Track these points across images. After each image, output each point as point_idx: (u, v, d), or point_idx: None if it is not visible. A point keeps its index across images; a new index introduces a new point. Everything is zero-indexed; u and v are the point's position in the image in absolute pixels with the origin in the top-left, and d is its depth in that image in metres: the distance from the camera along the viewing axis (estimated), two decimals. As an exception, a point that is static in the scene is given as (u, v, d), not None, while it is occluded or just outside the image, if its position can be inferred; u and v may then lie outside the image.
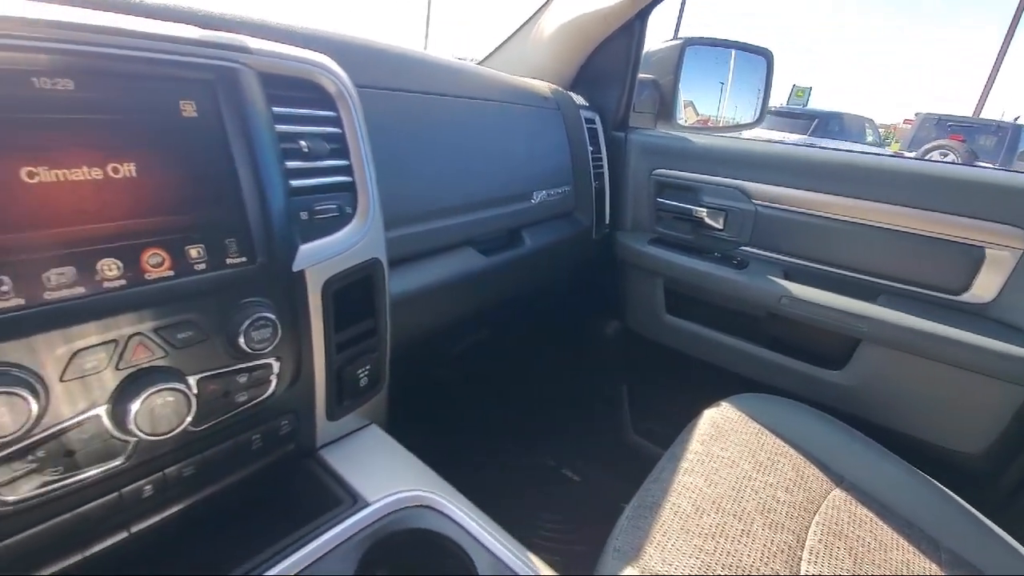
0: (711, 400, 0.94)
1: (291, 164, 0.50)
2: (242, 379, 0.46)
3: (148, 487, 0.43)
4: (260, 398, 0.48)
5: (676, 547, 0.65)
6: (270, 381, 0.49)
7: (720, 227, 1.15)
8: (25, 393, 0.33)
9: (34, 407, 0.34)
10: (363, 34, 0.74)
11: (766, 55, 1.50)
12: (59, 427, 0.37)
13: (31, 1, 0.38)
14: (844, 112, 10.96)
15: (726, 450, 0.82)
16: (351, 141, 0.57)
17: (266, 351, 0.47)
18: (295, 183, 0.50)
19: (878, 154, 1.11)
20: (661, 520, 0.69)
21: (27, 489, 0.36)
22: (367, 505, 0.52)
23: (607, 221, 1.22)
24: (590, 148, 1.15)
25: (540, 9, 1.20)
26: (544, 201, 1.02)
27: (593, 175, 1.16)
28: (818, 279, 1.07)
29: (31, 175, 0.35)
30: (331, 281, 0.54)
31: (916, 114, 11.42)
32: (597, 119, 1.21)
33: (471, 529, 0.53)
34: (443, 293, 0.79)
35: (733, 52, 1.54)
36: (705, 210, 1.15)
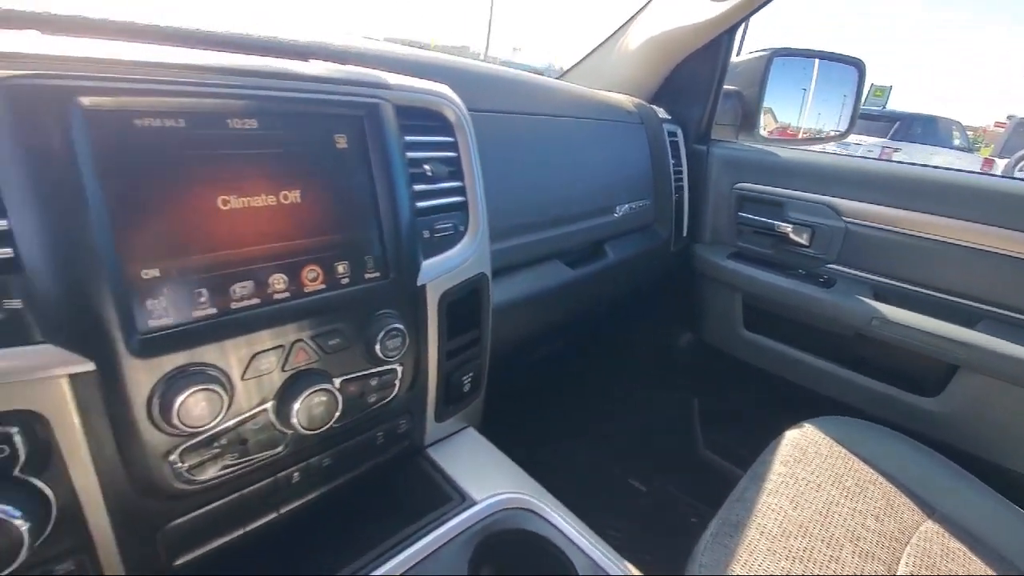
0: (789, 419, 0.93)
1: (417, 187, 0.55)
2: (374, 382, 0.51)
3: (296, 474, 0.49)
4: (386, 400, 0.53)
5: (763, 568, 0.65)
6: (395, 385, 0.54)
7: (806, 243, 1.12)
8: (219, 389, 0.39)
9: (225, 401, 0.40)
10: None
11: (857, 65, 1.45)
12: (238, 419, 0.42)
13: (221, 52, 0.45)
14: (928, 114, 10.18)
15: (811, 473, 0.81)
16: (465, 164, 0.61)
17: (395, 358, 0.52)
18: (420, 204, 0.55)
19: (984, 173, 1.06)
20: (747, 540, 0.69)
21: (212, 472, 0.42)
22: (474, 504, 0.56)
23: (685, 233, 1.22)
24: (671, 161, 1.16)
25: (624, 24, 1.22)
26: (626, 214, 1.03)
27: (673, 187, 1.16)
28: (912, 301, 1.03)
29: (224, 202, 0.41)
30: (446, 294, 0.58)
31: (1009, 117, 10.44)
32: (679, 132, 1.21)
33: (569, 533, 0.56)
34: (533, 305, 0.82)
35: (816, 60, 1.49)
36: (790, 226, 1.13)
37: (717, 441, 1.33)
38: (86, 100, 0.35)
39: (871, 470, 0.83)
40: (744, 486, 0.79)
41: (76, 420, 0.36)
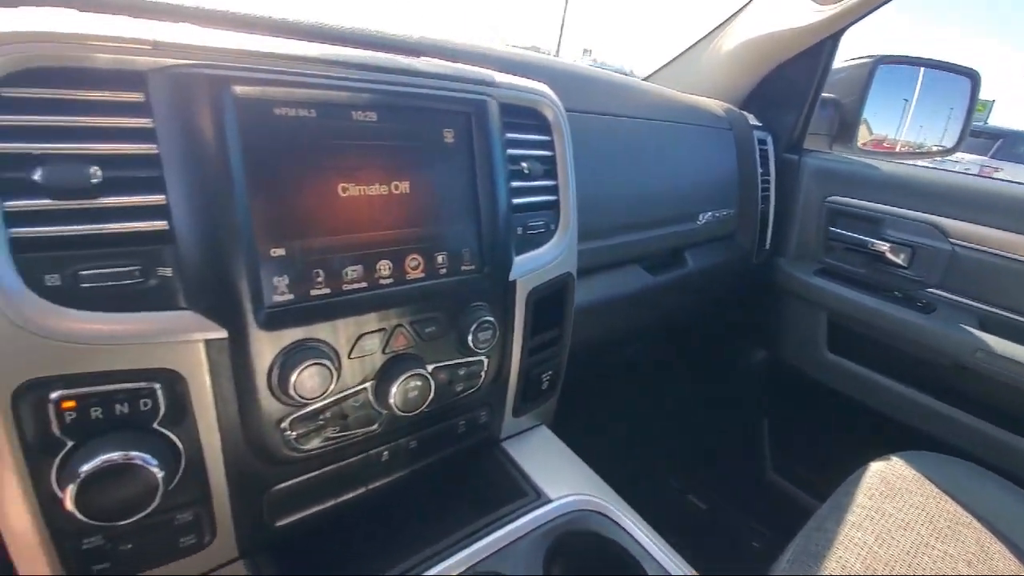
0: (872, 450, 0.87)
1: (514, 184, 0.56)
2: (462, 372, 0.53)
3: (386, 453, 0.51)
4: (471, 390, 0.55)
5: (845, 604, 0.62)
6: (481, 376, 0.55)
7: (904, 264, 1.05)
8: (330, 365, 0.42)
9: (334, 377, 0.42)
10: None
11: (971, 76, 1.33)
12: (342, 395, 0.45)
13: (350, 49, 0.47)
14: (1037, 131, 9.18)
15: (899, 510, 0.76)
16: (560, 163, 0.62)
17: (484, 350, 0.53)
18: (515, 201, 0.56)
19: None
20: (826, 573, 0.66)
21: (315, 443, 0.45)
22: (549, 501, 0.56)
23: (768, 246, 1.17)
24: (759, 169, 1.11)
25: (716, 28, 1.18)
26: (709, 222, 1.00)
27: (760, 197, 1.12)
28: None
29: (344, 190, 0.43)
30: (534, 291, 0.59)
31: None
32: (769, 140, 1.16)
33: (643, 541, 0.55)
34: (610, 308, 0.82)
35: (922, 69, 1.39)
36: (887, 244, 1.06)
37: (788, 466, 1.27)
38: (238, 89, 0.38)
39: (965, 512, 0.77)
40: (824, 515, 0.75)
41: (208, 382, 0.39)
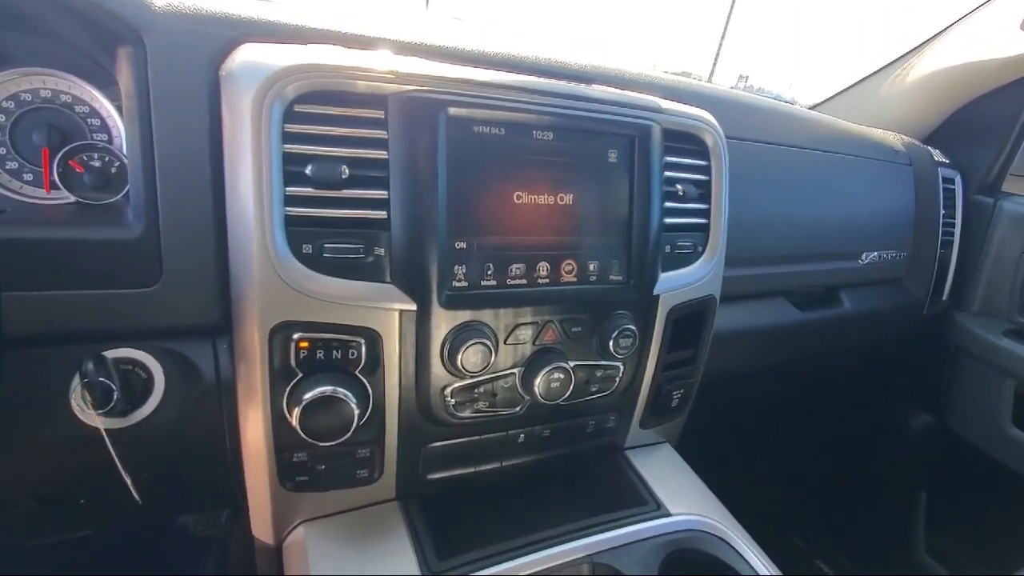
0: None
1: (668, 205, 0.59)
2: (599, 373, 0.57)
3: (522, 435, 0.57)
4: (605, 392, 0.58)
5: None
6: (615, 380, 0.58)
7: None
8: (490, 346, 0.48)
9: (491, 357, 0.49)
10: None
11: None
12: (495, 375, 0.51)
13: (541, 79, 0.54)
14: None
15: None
16: (715, 189, 0.63)
17: (623, 357, 0.56)
18: (668, 220, 0.59)
19: None
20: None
21: (468, 412, 0.52)
22: (668, 515, 0.58)
23: (945, 296, 1.04)
24: (942, 211, 1.00)
25: (903, 56, 1.09)
26: (873, 263, 0.93)
27: (940, 241, 1.00)
28: None
29: (518, 197, 0.50)
30: (675, 309, 0.61)
31: None
32: (957, 179, 1.04)
33: (761, 573, 0.54)
34: (751, 339, 0.80)
35: None
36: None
37: (945, 550, 1.10)
38: (451, 110, 0.46)
39: None
40: None
41: (397, 345, 0.47)
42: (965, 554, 1.08)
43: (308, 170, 0.44)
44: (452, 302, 0.47)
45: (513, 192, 0.50)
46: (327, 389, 0.44)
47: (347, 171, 0.45)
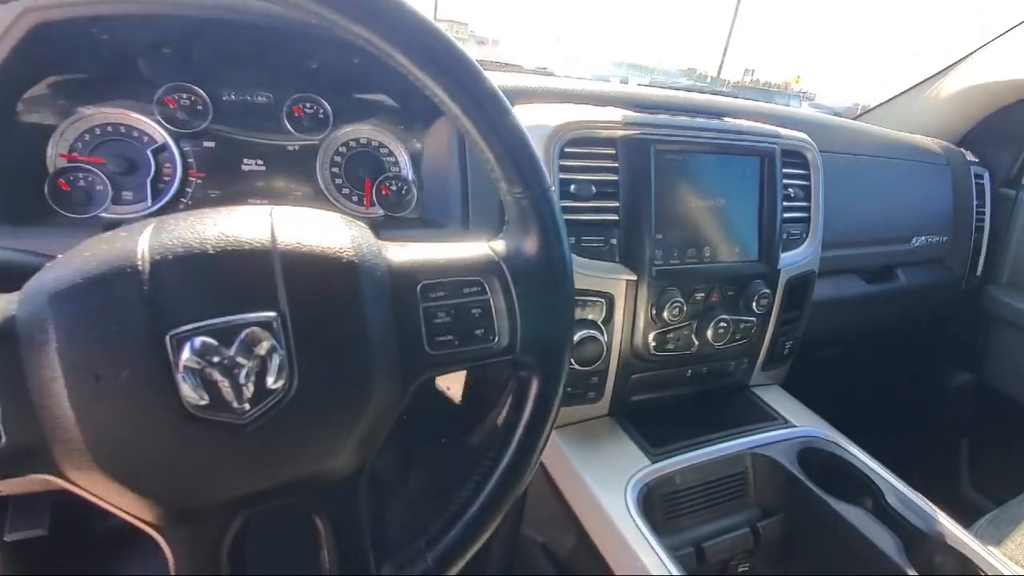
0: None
1: (784, 204, 0.82)
2: (742, 326, 0.79)
3: (689, 371, 0.80)
4: (744, 340, 0.81)
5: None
6: (751, 331, 0.81)
7: None
8: (680, 306, 0.71)
9: (681, 314, 0.71)
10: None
11: None
12: (679, 325, 0.74)
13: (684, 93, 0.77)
14: None
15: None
16: (813, 191, 0.86)
17: (760, 314, 0.79)
18: (784, 215, 0.82)
19: None
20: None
21: (660, 352, 0.74)
22: (795, 427, 0.80)
23: (978, 273, 1.26)
24: (975, 202, 1.22)
25: (937, 74, 1.31)
26: (922, 246, 1.15)
27: (974, 227, 1.22)
28: None
29: (692, 201, 0.73)
30: (790, 280, 0.83)
31: None
32: (986, 175, 1.26)
33: (878, 470, 0.75)
34: (830, 306, 1.02)
35: None
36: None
37: (987, 485, 1.31)
38: (656, 147, 0.69)
39: None
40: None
41: (622, 303, 0.70)
42: (1005, 488, 1.28)
43: (572, 189, 0.67)
44: (657, 275, 0.70)
45: (690, 198, 0.73)
46: (590, 331, 0.67)
47: (593, 189, 0.68)
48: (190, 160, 0.67)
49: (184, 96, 0.66)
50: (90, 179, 0.62)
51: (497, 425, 0.83)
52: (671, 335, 0.74)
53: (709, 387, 0.84)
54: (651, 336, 0.73)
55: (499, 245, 0.42)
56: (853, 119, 1.44)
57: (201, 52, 0.65)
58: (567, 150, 0.67)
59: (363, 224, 0.39)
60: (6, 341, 0.29)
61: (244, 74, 0.69)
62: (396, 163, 0.77)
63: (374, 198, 0.75)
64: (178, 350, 0.29)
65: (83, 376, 0.28)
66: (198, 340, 0.30)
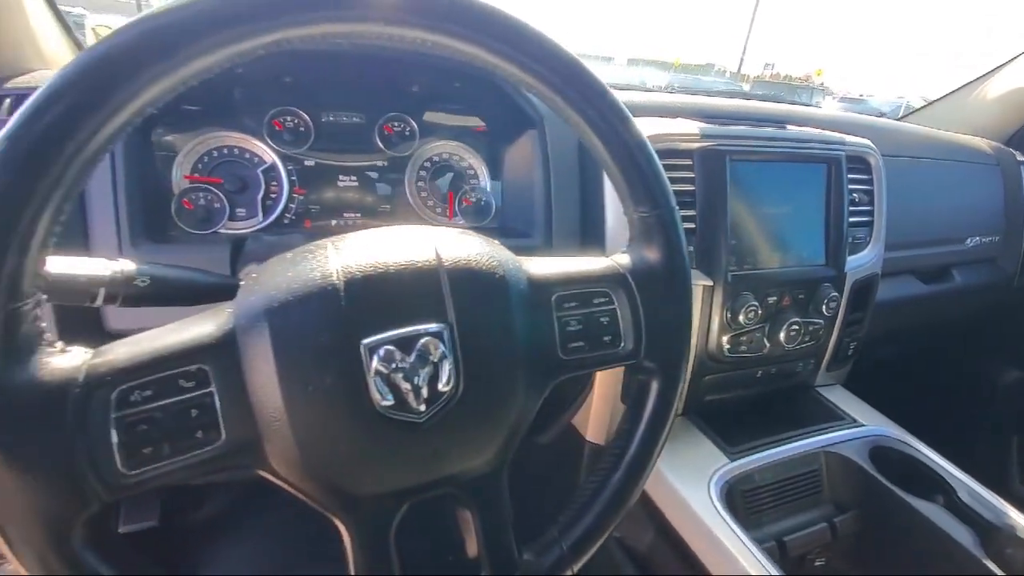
0: None
1: (849, 208, 0.84)
2: (811, 328, 0.82)
3: (759, 372, 0.83)
4: (812, 342, 0.83)
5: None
6: (819, 333, 0.83)
7: None
8: (755, 309, 0.74)
9: (755, 316, 0.74)
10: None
11: None
12: (752, 328, 0.77)
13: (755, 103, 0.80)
14: None
15: None
16: (876, 195, 0.88)
17: (828, 316, 0.81)
18: (849, 220, 0.84)
19: None
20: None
21: (733, 354, 0.77)
22: (864, 426, 0.82)
23: (1031, 271, 1.26)
24: (1027, 201, 1.22)
25: (983, 76, 1.32)
26: (976, 246, 1.16)
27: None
28: None
29: (761, 207, 0.75)
30: (856, 283, 0.85)
31: None
32: (1037, 174, 1.26)
33: (949, 468, 0.77)
34: (890, 308, 1.03)
35: None
36: None
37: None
38: (730, 156, 0.72)
39: None
40: None
41: (697, 308, 0.73)
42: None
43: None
44: (733, 280, 0.73)
45: (761, 205, 0.76)
46: None
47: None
48: (293, 178, 0.72)
49: (289, 119, 0.71)
50: (209, 198, 0.67)
51: (571, 424, 0.86)
52: (744, 337, 0.77)
53: (776, 387, 0.86)
54: (725, 339, 0.76)
55: (624, 259, 0.45)
56: (898, 119, 1.45)
57: (310, 79, 0.69)
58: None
59: (497, 242, 0.43)
60: (229, 350, 0.33)
61: (342, 97, 0.73)
62: (475, 176, 0.81)
63: (457, 209, 0.79)
64: (370, 357, 0.33)
65: (296, 381, 0.33)
66: (384, 348, 0.34)
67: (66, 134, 0.27)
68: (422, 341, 0.34)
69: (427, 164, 0.79)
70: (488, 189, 0.81)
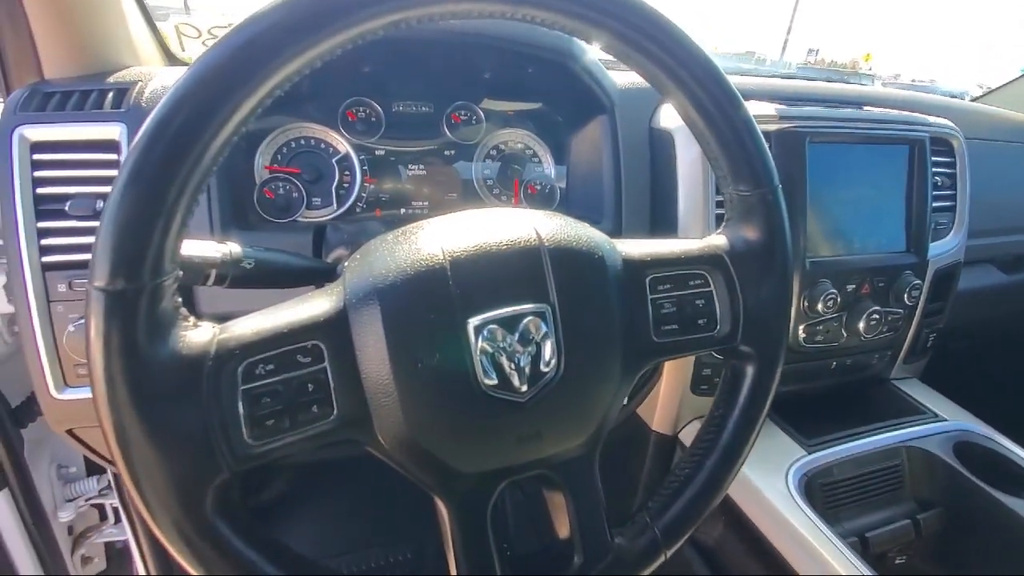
0: None
1: (932, 193, 0.80)
2: (890, 317, 0.78)
3: (834, 363, 0.80)
4: (891, 332, 0.80)
5: None
6: (898, 323, 0.80)
7: None
8: (834, 298, 0.71)
9: (832, 305, 0.71)
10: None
11: None
12: (830, 316, 0.74)
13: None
14: None
15: None
16: (959, 179, 0.83)
17: (909, 305, 0.78)
18: (932, 204, 0.80)
19: None
20: None
21: (809, 344, 0.75)
22: (945, 420, 0.79)
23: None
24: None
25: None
26: (1060, 233, 1.09)
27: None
28: None
29: (838, 188, 0.72)
30: (938, 270, 0.81)
31: None
32: None
33: None
34: (968, 298, 0.98)
35: None
36: None
37: None
38: (810, 138, 0.70)
39: None
40: None
41: None
42: None
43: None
44: (811, 267, 0.71)
45: (841, 189, 0.73)
46: None
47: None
48: (365, 168, 0.73)
49: (362, 109, 0.72)
50: (288, 187, 0.68)
51: (636, 414, 0.85)
52: (821, 327, 0.75)
53: (850, 379, 0.83)
54: (801, 328, 0.74)
55: (720, 240, 0.44)
56: (971, 101, 1.38)
57: (385, 68, 0.70)
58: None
59: (587, 223, 0.43)
60: (341, 327, 0.34)
61: (411, 86, 0.74)
62: (540, 163, 0.81)
63: (522, 196, 0.79)
64: (476, 337, 0.33)
65: (406, 358, 0.33)
66: (488, 328, 0.34)
67: (211, 114, 0.28)
68: (525, 321, 0.34)
69: (493, 152, 0.79)
70: (553, 176, 0.80)
